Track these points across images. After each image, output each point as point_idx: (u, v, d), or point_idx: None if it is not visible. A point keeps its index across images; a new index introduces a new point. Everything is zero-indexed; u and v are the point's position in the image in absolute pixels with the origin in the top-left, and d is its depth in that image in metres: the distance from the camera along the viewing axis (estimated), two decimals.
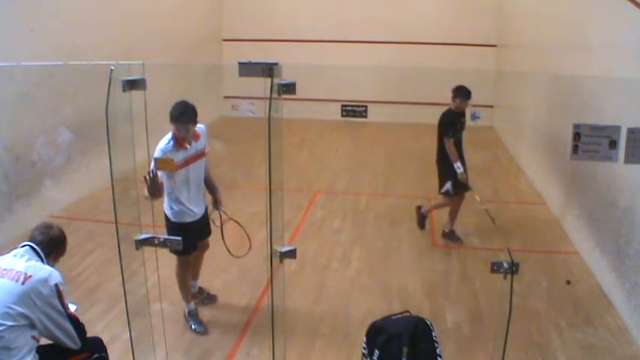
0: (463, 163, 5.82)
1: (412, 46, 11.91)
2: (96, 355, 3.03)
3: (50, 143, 6.57)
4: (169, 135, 4.03)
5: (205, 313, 4.53)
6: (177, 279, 4.33)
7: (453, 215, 6.04)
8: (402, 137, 11.20)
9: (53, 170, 6.65)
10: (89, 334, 3.14)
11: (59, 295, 2.81)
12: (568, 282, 5.09)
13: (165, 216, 4.20)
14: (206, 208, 4.41)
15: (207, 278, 5.12)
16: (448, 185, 5.81)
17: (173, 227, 4.15)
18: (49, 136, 6.54)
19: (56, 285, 2.81)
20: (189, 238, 3.92)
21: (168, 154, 3.91)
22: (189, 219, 4.18)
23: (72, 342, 2.88)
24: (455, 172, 5.70)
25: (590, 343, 4.17)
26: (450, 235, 6.01)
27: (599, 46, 5.76)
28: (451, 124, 5.78)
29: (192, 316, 4.36)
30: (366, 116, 12.68)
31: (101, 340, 3.17)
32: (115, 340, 4.00)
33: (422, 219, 6.28)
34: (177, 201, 4.13)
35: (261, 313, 4.49)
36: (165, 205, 4.18)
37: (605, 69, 5.44)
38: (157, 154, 3.93)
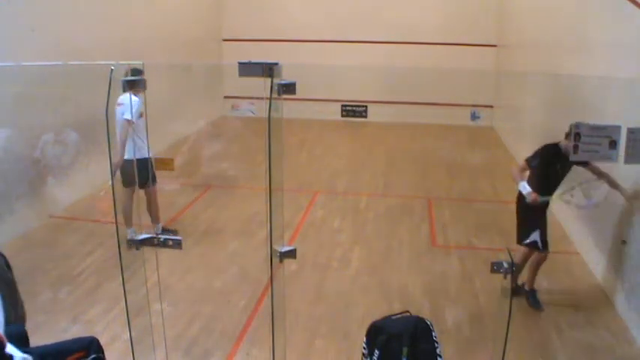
0: (542, 223, 4.64)
1: (412, 46, 11.92)
2: (93, 356, 3.01)
3: (52, 143, 6.56)
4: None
5: (206, 312, 4.53)
6: None
7: (534, 267, 4.71)
8: (402, 137, 11.20)
9: (53, 170, 6.65)
10: (88, 334, 3.13)
11: None
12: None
13: None
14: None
15: (207, 278, 5.14)
16: (535, 236, 4.59)
17: None
18: (51, 136, 6.53)
19: None
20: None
21: None
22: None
23: None
24: (544, 222, 4.63)
25: (590, 343, 4.17)
26: (530, 296, 4.72)
27: (599, 46, 5.76)
28: (545, 159, 4.49)
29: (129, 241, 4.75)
30: (366, 116, 12.68)
31: (98, 341, 3.14)
32: (115, 340, 4.00)
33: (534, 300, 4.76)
34: None
35: (261, 313, 4.49)
36: None
37: (605, 69, 5.44)
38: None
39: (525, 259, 4.75)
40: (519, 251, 4.70)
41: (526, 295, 4.72)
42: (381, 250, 5.84)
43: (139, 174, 5.45)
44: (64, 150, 6.71)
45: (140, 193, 5.55)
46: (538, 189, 4.50)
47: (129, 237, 4.79)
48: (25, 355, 2.61)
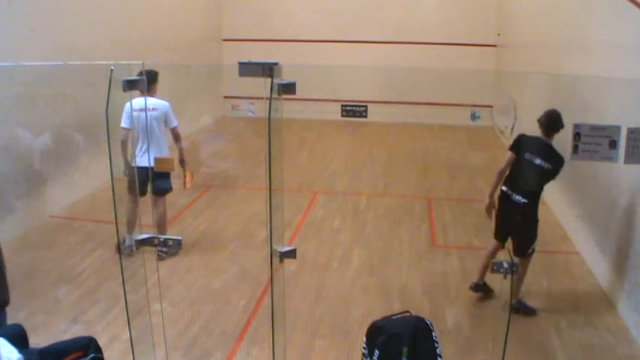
0: None
1: (412, 46, 11.91)
2: (92, 355, 3.00)
3: (53, 143, 6.56)
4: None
5: (206, 312, 4.53)
6: None
7: (522, 278, 4.58)
8: (402, 137, 11.20)
9: (53, 170, 6.65)
10: (88, 334, 3.13)
11: None
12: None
13: None
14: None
15: (207, 278, 5.14)
16: (536, 244, 4.56)
17: None
18: (51, 136, 6.54)
19: None
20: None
21: None
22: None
23: None
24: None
25: (590, 343, 4.17)
26: (522, 307, 4.57)
27: (599, 46, 5.76)
28: None
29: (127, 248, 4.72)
30: (366, 116, 12.69)
31: (96, 341, 3.11)
32: (115, 340, 4.00)
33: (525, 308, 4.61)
34: None
35: (261, 313, 4.49)
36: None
37: (605, 69, 5.44)
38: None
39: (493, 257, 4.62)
40: (492, 248, 4.69)
41: (516, 308, 4.45)
42: (381, 250, 5.84)
43: (144, 182, 5.12)
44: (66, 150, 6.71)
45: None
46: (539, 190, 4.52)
47: (127, 243, 4.82)
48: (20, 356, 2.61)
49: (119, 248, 3.09)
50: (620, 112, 4.78)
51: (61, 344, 3.00)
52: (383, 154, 9.92)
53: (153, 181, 5.19)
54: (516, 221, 4.50)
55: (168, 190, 5.53)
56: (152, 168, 4.98)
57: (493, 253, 4.68)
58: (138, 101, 4.74)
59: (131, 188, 4.77)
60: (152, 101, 5.21)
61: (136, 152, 5.20)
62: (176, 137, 5.58)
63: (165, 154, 5.43)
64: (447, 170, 8.76)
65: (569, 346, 4.13)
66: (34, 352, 2.82)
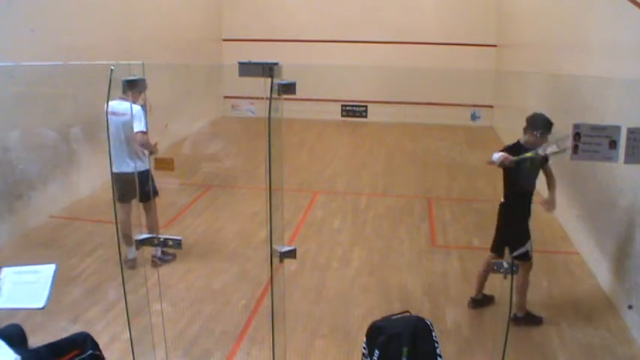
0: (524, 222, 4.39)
1: (412, 46, 11.92)
2: (90, 352, 2.98)
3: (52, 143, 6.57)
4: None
5: (206, 312, 4.53)
6: None
7: (524, 288, 4.40)
8: (402, 137, 11.19)
9: (53, 170, 6.65)
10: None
11: None
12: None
13: None
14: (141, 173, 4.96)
15: (207, 278, 5.14)
16: (529, 245, 4.33)
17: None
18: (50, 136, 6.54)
19: None
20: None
21: None
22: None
23: None
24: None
25: (590, 343, 4.17)
26: (529, 319, 4.43)
27: (599, 46, 5.76)
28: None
29: (129, 261, 4.69)
30: (366, 116, 12.68)
31: (92, 337, 3.01)
32: (115, 340, 4.00)
33: (532, 318, 4.46)
34: None
35: (261, 313, 4.49)
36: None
37: (605, 69, 5.44)
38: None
39: (490, 268, 4.33)
40: (486, 260, 4.56)
41: (525, 322, 4.38)
42: (381, 250, 5.83)
43: (140, 188, 5.02)
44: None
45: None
46: (515, 189, 4.46)
47: (129, 257, 4.82)
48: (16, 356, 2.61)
49: (121, 260, 3.07)
50: (620, 112, 4.78)
51: (57, 343, 2.98)
52: (383, 154, 9.92)
53: (140, 187, 4.97)
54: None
55: (155, 193, 5.25)
56: (139, 173, 4.89)
57: (488, 266, 4.51)
58: (112, 105, 4.51)
59: (119, 197, 4.67)
60: (124, 105, 4.67)
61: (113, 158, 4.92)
62: (140, 144, 4.96)
63: (143, 160, 5.11)
64: (447, 170, 8.75)
65: (569, 346, 4.13)
66: (31, 352, 2.81)
